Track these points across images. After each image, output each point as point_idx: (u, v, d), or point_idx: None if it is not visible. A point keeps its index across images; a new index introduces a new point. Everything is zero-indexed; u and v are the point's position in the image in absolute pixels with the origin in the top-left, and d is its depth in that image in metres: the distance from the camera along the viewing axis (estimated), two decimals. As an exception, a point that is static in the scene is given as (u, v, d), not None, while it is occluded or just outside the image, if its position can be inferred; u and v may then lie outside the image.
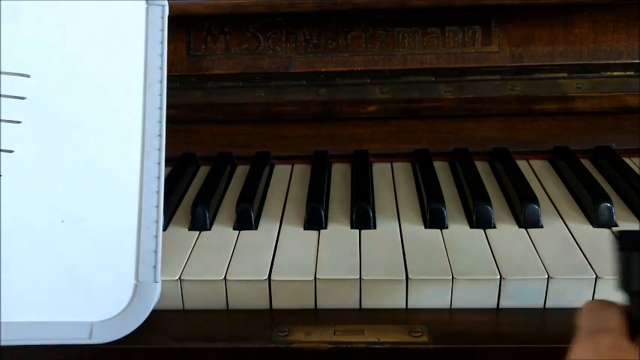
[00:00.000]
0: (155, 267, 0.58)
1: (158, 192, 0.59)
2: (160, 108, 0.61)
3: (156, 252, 0.59)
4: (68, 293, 0.58)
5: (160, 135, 0.61)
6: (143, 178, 0.60)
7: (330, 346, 0.58)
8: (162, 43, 0.63)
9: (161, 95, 0.62)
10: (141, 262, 0.59)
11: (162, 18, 0.63)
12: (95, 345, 0.57)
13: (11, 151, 0.61)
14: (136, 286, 0.58)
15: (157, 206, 0.59)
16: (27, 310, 0.58)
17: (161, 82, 0.62)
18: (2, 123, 0.61)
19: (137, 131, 0.61)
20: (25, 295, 0.58)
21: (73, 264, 0.59)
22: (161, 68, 0.62)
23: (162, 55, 0.62)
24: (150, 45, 0.62)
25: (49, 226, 0.60)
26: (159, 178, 0.60)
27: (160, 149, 0.61)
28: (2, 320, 0.57)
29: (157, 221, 0.59)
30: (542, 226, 0.70)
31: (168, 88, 0.87)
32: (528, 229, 0.70)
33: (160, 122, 0.61)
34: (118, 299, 0.58)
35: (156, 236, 0.59)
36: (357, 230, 0.71)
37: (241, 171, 0.88)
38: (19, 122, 0.61)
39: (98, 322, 0.57)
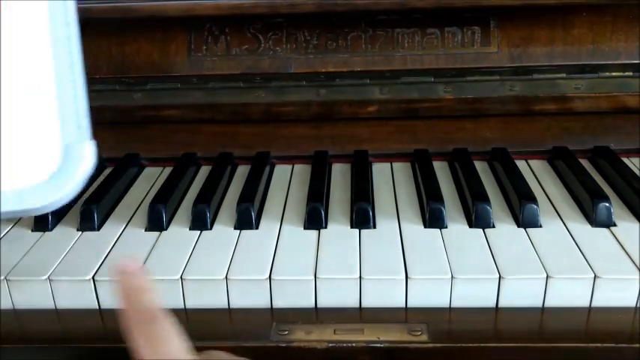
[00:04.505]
0: (80, 127, 0.55)
1: (70, 52, 0.56)
2: None
3: (77, 113, 0.55)
4: None
5: None
6: (53, 40, 0.57)
7: (330, 345, 0.58)
8: None
9: None
10: (63, 124, 0.56)
11: None
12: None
13: None
14: (62, 149, 0.56)
15: (71, 66, 0.55)
16: None
17: None
18: None
19: None
20: None
21: None
22: None
23: None
24: None
25: None
26: (69, 38, 0.55)
27: None
28: None
29: (75, 81, 0.55)
30: (540, 226, 0.71)
31: (169, 89, 0.88)
32: (527, 229, 0.70)
33: None
34: (46, 164, 0.55)
35: (75, 97, 0.55)
36: (357, 230, 0.71)
37: (242, 171, 0.89)
38: None
39: (28, 188, 0.55)
